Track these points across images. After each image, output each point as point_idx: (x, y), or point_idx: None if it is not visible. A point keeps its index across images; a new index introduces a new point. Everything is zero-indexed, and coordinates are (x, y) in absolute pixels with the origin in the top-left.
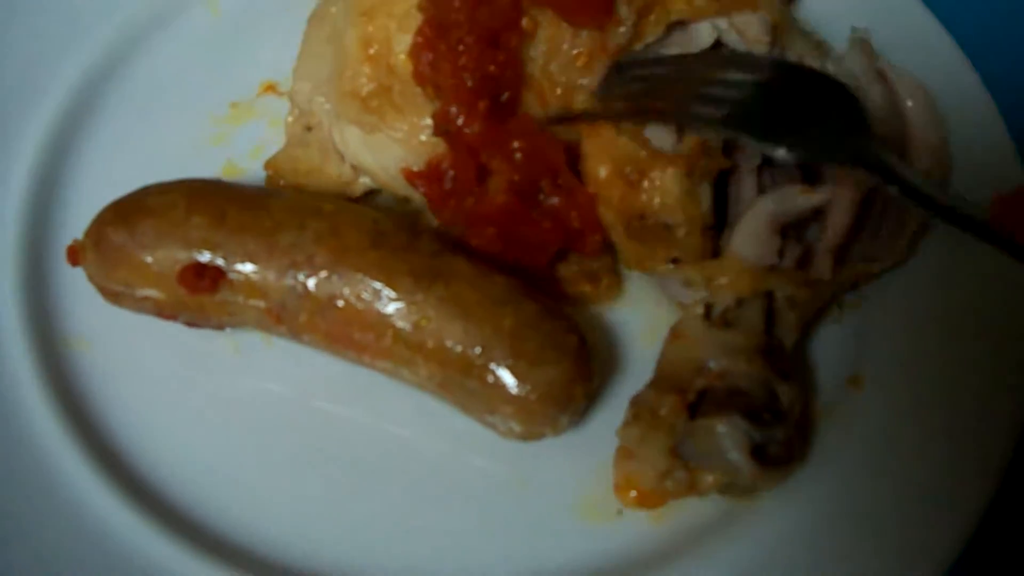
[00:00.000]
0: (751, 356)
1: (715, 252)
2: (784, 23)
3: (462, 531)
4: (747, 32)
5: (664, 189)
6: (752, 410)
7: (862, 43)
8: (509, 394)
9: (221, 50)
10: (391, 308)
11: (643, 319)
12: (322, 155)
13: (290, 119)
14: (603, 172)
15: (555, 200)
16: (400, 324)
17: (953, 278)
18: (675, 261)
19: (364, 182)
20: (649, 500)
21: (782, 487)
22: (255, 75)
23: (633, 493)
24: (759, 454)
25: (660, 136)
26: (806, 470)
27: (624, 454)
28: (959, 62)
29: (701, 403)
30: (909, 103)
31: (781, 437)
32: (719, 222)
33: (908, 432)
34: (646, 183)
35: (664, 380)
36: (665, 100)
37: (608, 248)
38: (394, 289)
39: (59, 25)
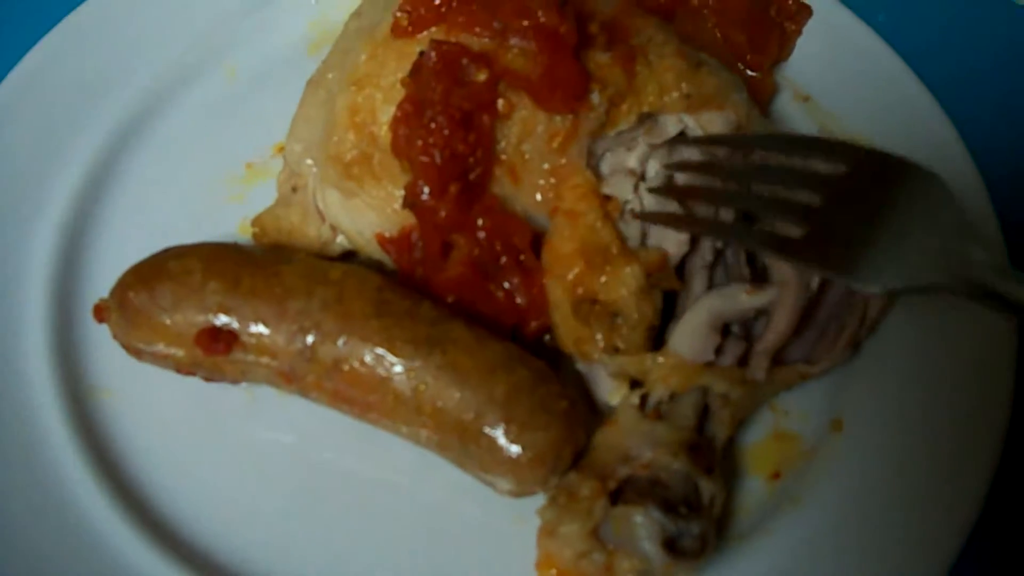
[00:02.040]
0: (677, 450)
1: (654, 347)
2: (748, 124)
3: (453, 573)
4: (710, 128)
5: (622, 282)
6: (669, 503)
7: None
8: (502, 456)
9: (237, 113)
10: (392, 373)
11: None
12: (303, 215)
13: (282, 178)
14: (567, 247)
15: (514, 279)
16: (400, 389)
17: (933, 325)
18: (616, 350)
19: (341, 243)
20: None
21: (772, 523)
22: (269, 137)
23: (553, 572)
24: (671, 545)
25: (632, 235)
26: (792, 509)
27: (546, 532)
28: (932, 110)
29: (624, 490)
30: None
31: (696, 531)
32: (665, 314)
33: (886, 472)
34: (608, 270)
35: (590, 464)
36: (725, 201)
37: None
38: (395, 356)
39: (81, 90)
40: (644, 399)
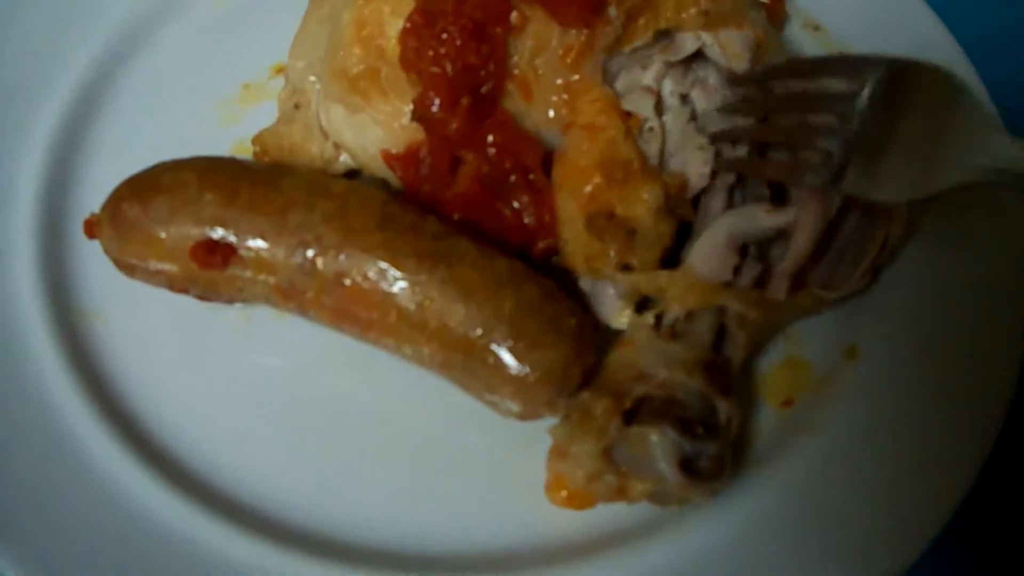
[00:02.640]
0: (693, 369)
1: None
2: (767, 42)
3: (458, 500)
4: (729, 48)
5: (643, 200)
6: (686, 422)
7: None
8: (508, 375)
9: (232, 34)
10: (395, 288)
11: None
12: (306, 133)
13: (283, 95)
14: (585, 161)
15: (523, 198)
16: (404, 304)
17: (948, 254)
18: (626, 268)
19: (344, 161)
20: (578, 501)
21: (783, 453)
22: (266, 57)
23: (564, 493)
24: (688, 466)
25: (652, 154)
26: (805, 437)
27: (557, 453)
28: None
29: (639, 410)
30: None
31: (713, 452)
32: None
33: (900, 401)
34: (628, 185)
35: (604, 383)
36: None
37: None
38: (399, 270)
39: (74, 8)
40: (659, 319)
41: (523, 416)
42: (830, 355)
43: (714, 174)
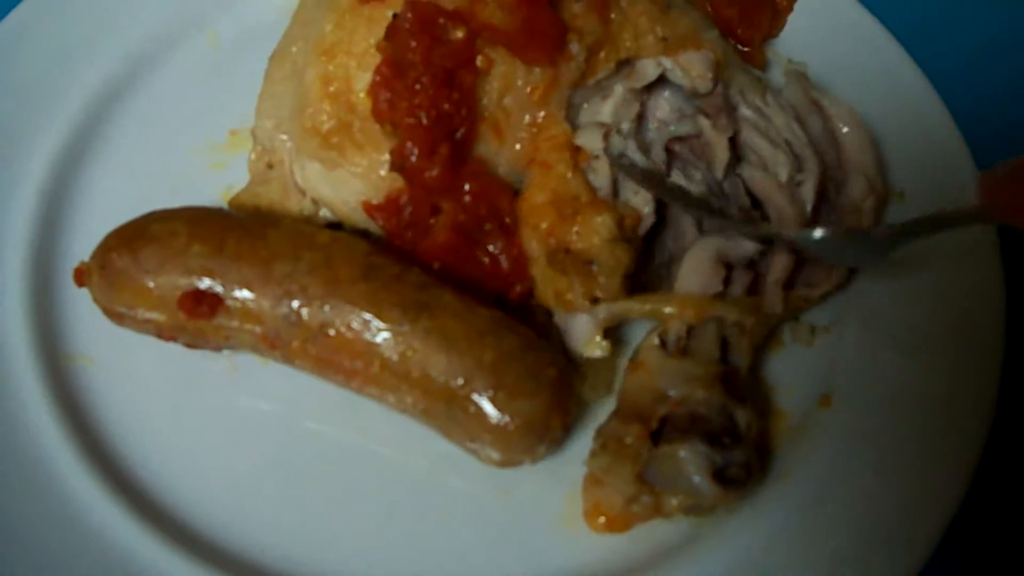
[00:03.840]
0: (709, 383)
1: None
2: (726, 60)
3: (443, 545)
4: (691, 70)
5: (594, 230)
6: (712, 434)
7: (799, 75)
8: (489, 423)
9: (219, 80)
10: (379, 338)
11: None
12: (283, 191)
13: (253, 156)
14: (540, 198)
15: (498, 244)
16: (387, 354)
17: (919, 303)
18: (595, 300)
19: (324, 215)
20: (617, 524)
21: (758, 501)
22: (251, 104)
23: (602, 519)
24: (720, 476)
25: (601, 185)
26: (777, 485)
27: (592, 481)
28: (921, 84)
29: (663, 430)
30: (844, 130)
31: (740, 459)
32: (656, 258)
33: (872, 446)
34: (579, 220)
35: (627, 410)
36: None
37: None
38: (382, 320)
39: (63, 54)
40: (664, 339)
41: (504, 463)
42: (804, 404)
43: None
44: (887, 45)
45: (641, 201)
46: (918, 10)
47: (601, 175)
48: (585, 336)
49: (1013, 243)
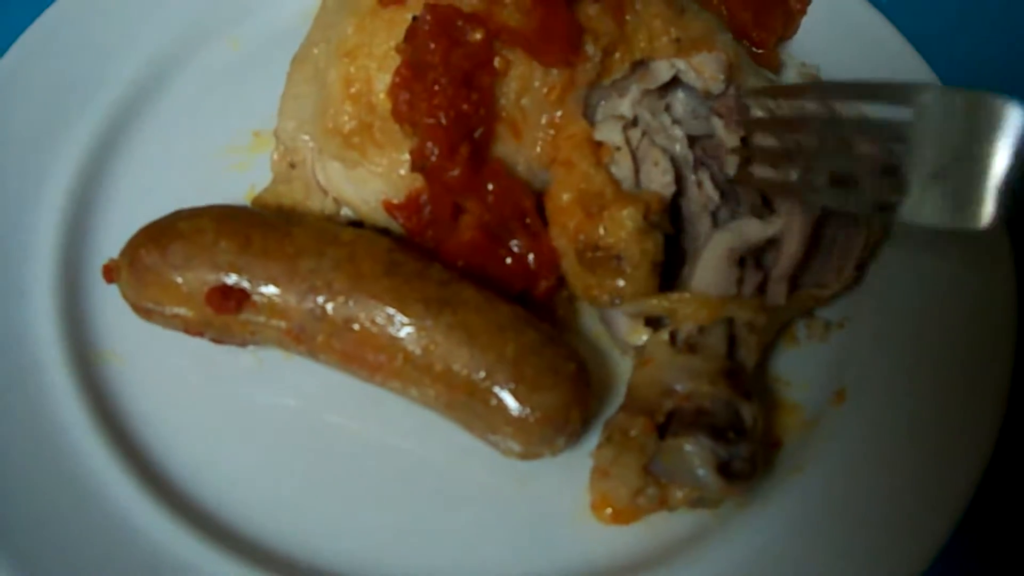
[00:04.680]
0: (715, 378)
1: (666, 287)
2: (738, 63)
3: (463, 536)
4: (704, 71)
5: (620, 224)
6: (717, 429)
7: (812, 78)
8: (510, 416)
9: (243, 82)
10: (402, 333)
11: None
12: (305, 190)
13: (275, 156)
14: (566, 197)
15: (521, 242)
16: (410, 348)
17: (932, 296)
18: (616, 303)
19: (346, 214)
20: (623, 516)
21: (772, 494)
22: (273, 106)
23: (608, 510)
24: (725, 469)
25: (624, 177)
26: (792, 478)
27: (599, 474)
28: (925, 77)
29: (669, 424)
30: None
31: (745, 453)
32: (671, 259)
33: (884, 440)
34: (605, 216)
35: (634, 403)
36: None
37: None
38: (406, 315)
39: (90, 57)
40: (673, 336)
41: (524, 455)
42: (819, 399)
43: (679, 181)
44: (899, 47)
45: (661, 173)
46: (931, 13)
47: (623, 166)
48: (627, 326)
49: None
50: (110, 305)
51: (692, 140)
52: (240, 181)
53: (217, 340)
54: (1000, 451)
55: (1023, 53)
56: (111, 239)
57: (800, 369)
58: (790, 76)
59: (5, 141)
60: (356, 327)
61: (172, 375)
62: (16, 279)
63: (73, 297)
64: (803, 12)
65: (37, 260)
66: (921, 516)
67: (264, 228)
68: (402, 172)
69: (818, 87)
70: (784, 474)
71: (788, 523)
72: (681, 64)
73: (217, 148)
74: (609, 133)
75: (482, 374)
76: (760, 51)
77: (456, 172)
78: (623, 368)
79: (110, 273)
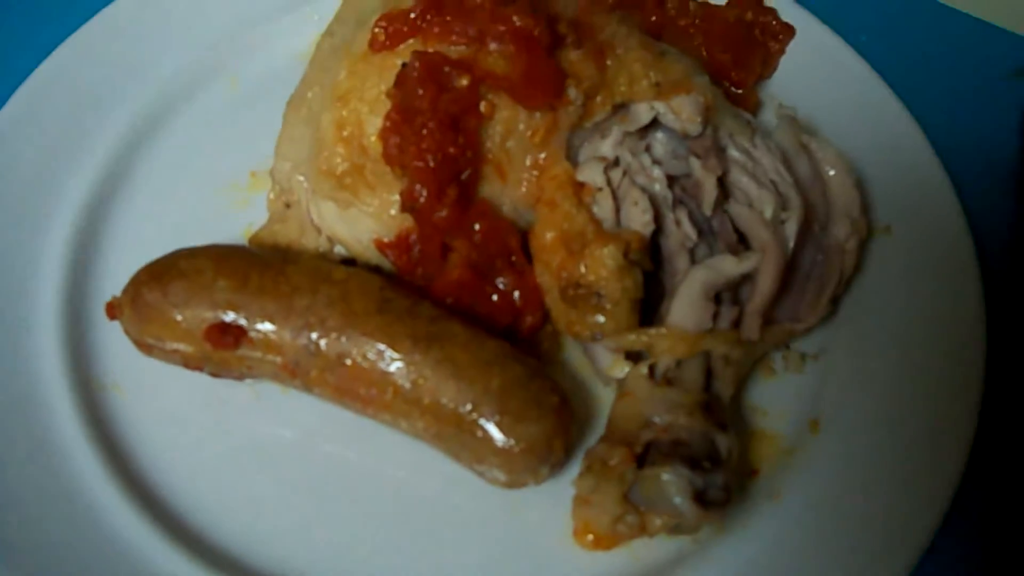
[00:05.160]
0: (691, 410)
1: (646, 321)
2: (716, 104)
3: (454, 562)
4: (682, 113)
5: (601, 263)
6: (693, 459)
7: (788, 119)
8: (495, 447)
9: (241, 123)
10: (392, 368)
11: None
12: (300, 229)
13: (271, 196)
14: (549, 236)
15: (507, 279)
16: (400, 382)
17: (904, 330)
18: (597, 338)
19: (339, 252)
20: (604, 542)
21: (749, 521)
22: (270, 146)
23: (590, 537)
24: (700, 498)
25: (605, 217)
26: (768, 505)
27: (580, 502)
28: (907, 123)
29: (648, 454)
30: (831, 172)
31: (720, 482)
32: (651, 295)
33: (858, 468)
34: (586, 254)
35: (614, 434)
36: None
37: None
38: (396, 351)
39: (92, 99)
40: (652, 369)
41: (510, 484)
42: (795, 428)
43: (658, 219)
44: (874, 85)
45: (640, 212)
46: (908, 51)
47: (604, 206)
48: (607, 361)
49: (994, 271)
50: (113, 340)
51: (671, 179)
52: (239, 219)
53: (215, 374)
54: (969, 478)
55: (999, 94)
56: (115, 276)
57: (777, 399)
58: (768, 116)
59: (12, 182)
60: (348, 362)
61: (172, 407)
62: (23, 314)
63: (78, 332)
64: (782, 52)
65: (43, 296)
66: (892, 542)
67: (260, 267)
68: (393, 212)
69: None
70: (761, 501)
71: (765, 548)
72: (660, 106)
73: (217, 187)
74: (591, 174)
75: (468, 407)
76: (739, 91)
77: (444, 213)
78: (606, 399)
79: (113, 310)
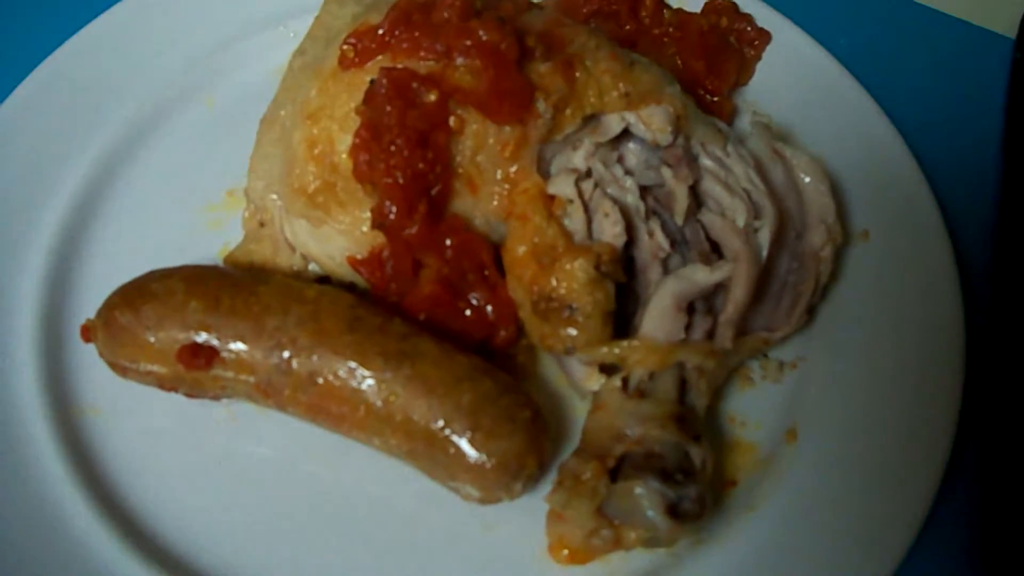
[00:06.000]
0: (664, 423)
1: (620, 333)
2: (686, 113)
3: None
4: (652, 123)
5: (572, 276)
6: (666, 472)
7: (762, 127)
8: (468, 463)
9: (216, 142)
10: (364, 385)
11: None
12: (274, 248)
13: (246, 215)
14: (520, 250)
15: (479, 294)
16: (372, 400)
17: (881, 339)
18: (569, 351)
19: (313, 269)
20: (579, 557)
21: (727, 532)
22: (245, 165)
23: (565, 552)
24: (674, 511)
25: (577, 229)
26: (745, 516)
27: (554, 517)
28: (885, 127)
29: (621, 467)
30: (806, 179)
31: (693, 494)
32: (625, 306)
33: (834, 477)
34: (557, 268)
35: (587, 447)
36: None
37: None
38: (367, 369)
39: (68, 121)
40: (625, 382)
41: (483, 500)
42: (772, 438)
43: (629, 231)
44: (852, 89)
45: (612, 223)
46: (885, 54)
47: (576, 219)
48: (582, 373)
49: (973, 277)
50: (90, 362)
51: (644, 190)
52: (215, 239)
53: (191, 395)
54: (947, 487)
55: (978, 96)
56: (92, 297)
57: (754, 409)
58: (744, 123)
59: None
60: (320, 381)
61: (149, 428)
62: None
63: (53, 355)
64: (758, 58)
65: (19, 319)
66: (870, 551)
67: (232, 288)
68: (364, 229)
69: None
70: (738, 512)
71: (742, 560)
72: (631, 117)
73: (193, 207)
74: (562, 186)
75: (440, 423)
76: (715, 98)
77: (414, 229)
78: (582, 412)
79: (88, 333)
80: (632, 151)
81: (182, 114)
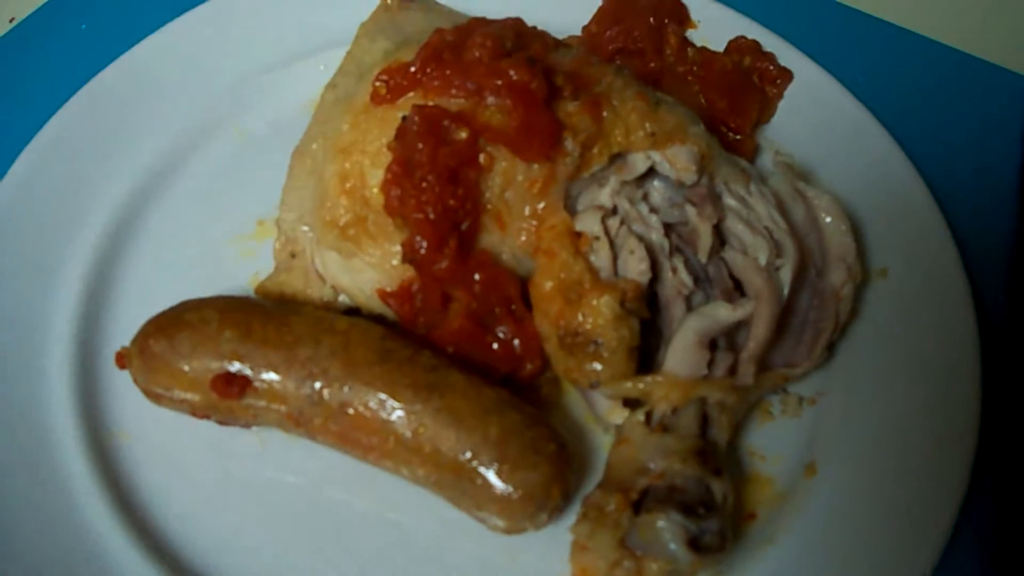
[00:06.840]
0: (686, 457)
1: (643, 368)
2: (710, 153)
3: None
4: (677, 162)
5: (598, 312)
6: (688, 505)
7: (785, 166)
8: (494, 494)
9: (247, 172)
10: (393, 416)
11: None
12: (305, 279)
13: (277, 246)
14: (548, 285)
15: (506, 328)
16: (401, 431)
17: (897, 374)
18: (594, 385)
19: (343, 301)
20: None
21: (747, 565)
22: (276, 195)
23: None
24: (695, 544)
25: (603, 266)
26: (764, 549)
27: (578, 548)
28: (904, 165)
29: (644, 500)
30: (827, 219)
31: (715, 527)
32: (650, 341)
33: (853, 511)
34: (583, 304)
35: (611, 480)
36: None
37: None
38: (396, 400)
39: (102, 153)
40: (648, 416)
41: (509, 530)
42: (791, 472)
43: (654, 267)
44: (871, 127)
45: (637, 260)
46: (904, 92)
47: (602, 255)
48: (606, 407)
49: (990, 314)
50: (123, 389)
51: (668, 227)
52: (245, 268)
53: (222, 422)
54: (964, 522)
55: (996, 134)
56: (125, 326)
57: (774, 443)
58: (766, 161)
59: (24, 235)
60: (351, 411)
61: (181, 454)
62: (35, 365)
63: (88, 382)
64: (779, 96)
65: (56, 347)
66: None
67: (264, 318)
68: (395, 263)
69: None
70: (758, 545)
71: None
72: (656, 156)
73: (224, 237)
74: (588, 223)
75: (468, 455)
76: (738, 137)
77: (444, 264)
78: (605, 444)
79: (122, 360)
80: (657, 189)
81: (214, 144)
